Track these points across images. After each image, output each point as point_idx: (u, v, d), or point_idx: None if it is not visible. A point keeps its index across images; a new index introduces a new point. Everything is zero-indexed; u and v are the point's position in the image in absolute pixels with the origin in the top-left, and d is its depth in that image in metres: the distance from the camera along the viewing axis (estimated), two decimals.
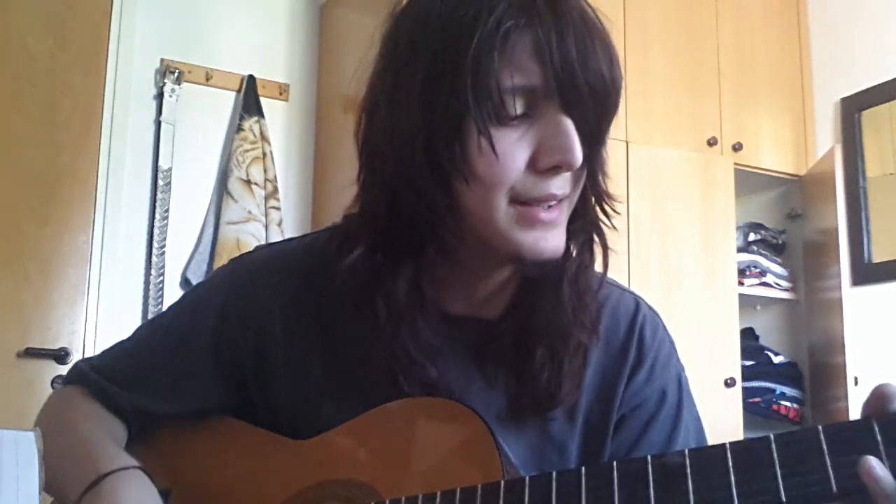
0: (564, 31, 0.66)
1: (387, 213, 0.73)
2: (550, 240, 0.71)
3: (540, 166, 0.68)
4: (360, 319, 0.75)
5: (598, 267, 0.79)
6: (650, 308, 0.88)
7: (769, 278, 2.85)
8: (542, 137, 0.68)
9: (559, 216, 0.71)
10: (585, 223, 0.76)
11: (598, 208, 0.77)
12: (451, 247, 0.74)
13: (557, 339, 0.76)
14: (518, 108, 0.68)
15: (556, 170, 0.69)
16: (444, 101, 0.67)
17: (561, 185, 0.70)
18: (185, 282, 2.63)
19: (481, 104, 0.66)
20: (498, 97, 0.66)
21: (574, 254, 0.76)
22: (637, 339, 0.84)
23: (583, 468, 0.62)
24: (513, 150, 0.68)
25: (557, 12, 0.67)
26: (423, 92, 0.68)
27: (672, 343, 0.88)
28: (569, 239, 0.74)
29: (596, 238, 0.78)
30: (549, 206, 0.70)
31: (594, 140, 0.71)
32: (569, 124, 0.68)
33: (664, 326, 0.88)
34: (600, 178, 0.76)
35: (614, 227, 0.78)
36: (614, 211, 0.78)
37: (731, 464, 0.57)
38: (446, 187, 0.69)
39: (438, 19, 0.69)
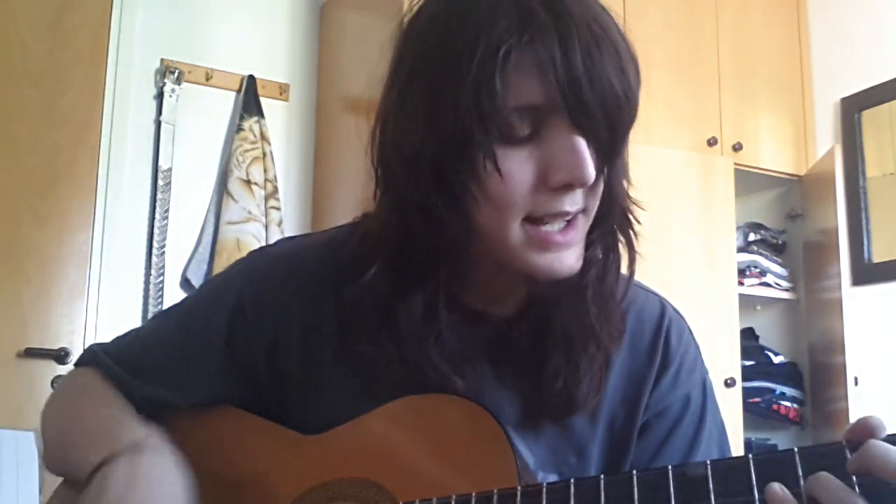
0: (569, 46, 0.63)
1: (400, 233, 0.72)
2: (565, 259, 0.69)
3: (551, 184, 0.66)
4: (383, 334, 0.74)
5: (623, 270, 0.78)
6: (676, 311, 0.86)
7: (769, 278, 2.85)
8: (551, 155, 0.66)
9: (575, 235, 0.69)
10: (605, 232, 0.74)
11: (619, 214, 0.75)
12: (464, 266, 0.73)
13: (574, 344, 0.75)
14: (525, 127, 0.66)
15: (568, 187, 0.67)
16: (447, 123, 0.65)
17: (574, 201, 0.68)
18: (185, 282, 2.63)
19: (485, 126, 0.64)
20: (503, 118, 0.64)
21: (595, 263, 0.74)
22: (663, 343, 0.82)
23: (602, 476, 0.62)
24: (520, 169, 0.66)
25: (561, 25, 0.64)
26: (426, 113, 0.67)
27: (697, 347, 0.86)
28: (589, 247, 0.73)
29: (622, 240, 0.76)
30: (565, 225, 0.68)
31: (609, 153, 0.68)
32: (578, 142, 0.65)
33: (690, 330, 0.86)
34: (619, 187, 0.74)
35: (635, 235, 0.76)
36: (636, 219, 0.76)
37: (753, 476, 0.56)
38: (456, 208, 0.68)
39: (440, 36, 0.67)
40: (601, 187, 0.71)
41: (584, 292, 0.74)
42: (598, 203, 0.71)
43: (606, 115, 0.65)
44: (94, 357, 0.88)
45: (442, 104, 0.65)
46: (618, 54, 0.66)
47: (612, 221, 0.75)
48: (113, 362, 0.87)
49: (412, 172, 0.69)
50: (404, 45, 0.72)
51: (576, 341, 0.75)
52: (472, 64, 0.63)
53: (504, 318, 0.78)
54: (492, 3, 0.65)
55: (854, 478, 0.53)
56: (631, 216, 0.76)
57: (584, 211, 0.70)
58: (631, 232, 0.76)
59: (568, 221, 0.69)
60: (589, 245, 0.73)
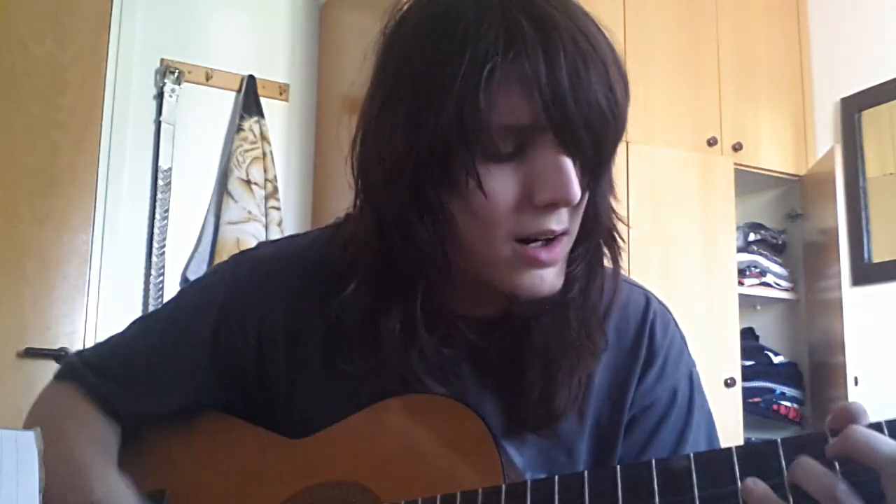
0: (554, 62, 0.61)
1: (378, 249, 0.71)
2: (547, 278, 0.68)
3: (536, 202, 0.65)
4: (366, 345, 0.74)
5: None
6: (660, 303, 0.86)
7: (769, 278, 2.84)
8: (536, 173, 0.65)
9: (558, 253, 0.68)
10: (590, 249, 0.74)
11: (604, 232, 0.74)
12: (441, 284, 0.72)
13: (553, 358, 0.74)
14: (509, 145, 0.64)
15: (553, 206, 0.65)
16: (429, 137, 0.63)
17: (560, 220, 0.67)
18: (185, 282, 2.63)
19: (468, 144, 0.63)
20: (486, 136, 0.63)
21: (578, 280, 0.74)
22: (648, 336, 0.82)
23: (586, 472, 0.61)
24: (504, 187, 0.65)
25: (547, 40, 0.62)
26: (407, 126, 0.65)
27: (683, 338, 0.86)
28: (571, 265, 0.72)
29: (607, 255, 0.75)
30: (549, 243, 0.68)
31: (595, 171, 0.67)
32: (564, 161, 0.64)
33: (675, 322, 0.86)
34: (605, 205, 0.73)
35: (620, 252, 0.76)
36: (619, 237, 0.75)
37: (737, 468, 0.56)
38: (434, 226, 0.67)
39: (425, 47, 0.65)
40: (583, 208, 0.70)
41: (566, 309, 0.73)
42: (579, 223, 0.70)
43: (592, 134, 0.64)
44: (75, 371, 0.87)
45: (424, 118, 0.64)
46: (605, 70, 0.64)
47: (597, 239, 0.74)
48: (95, 376, 0.85)
49: (391, 185, 0.67)
50: (387, 53, 0.70)
51: (554, 355, 0.74)
52: (456, 79, 0.62)
53: (484, 322, 0.77)
54: (478, 14, 0.63)
55: (836, 465, 0.53)
56: (616, 234, 0.75)
57: (566, 232, 0.69)
58: (616, 249, 0.76)
59: (551, 239, 0.68)
60: (572, 261, 0.72)
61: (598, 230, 0.73)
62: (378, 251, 0.71)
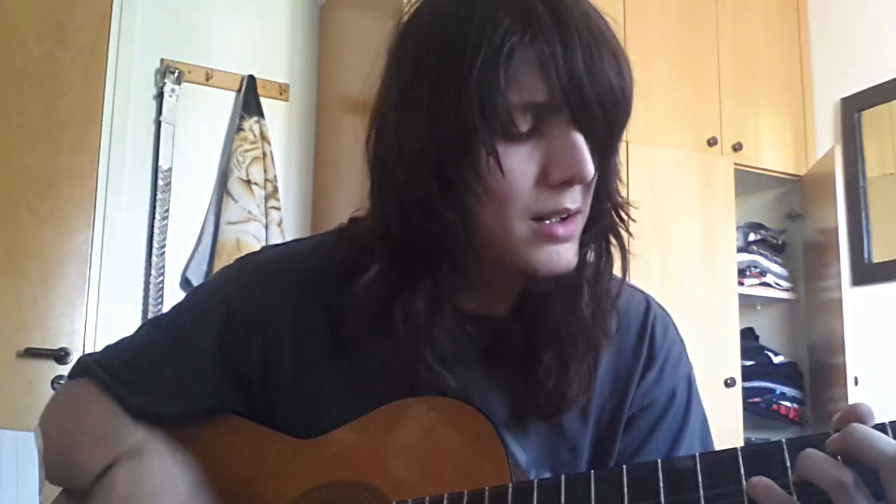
0: (570, 45, 0.65)
1: (400, 232, 0.72)
2: (563, 254, 0.70)
3: (551, 180, 0.68)
4: (378, 333, 0.74)
5: (616, 270, 0.79)
6: (661, 307, 0.88)
7: (769, 278, 2.85)
8: (551, 152, 0.68)
9: (574, 229, 0.71)
10: (600, 230, 0.76)
11: (612, 214, 0.76)
12: (464, 263, 0.73)
13: (567, 343, 0.76)
14: (526, 123, 0.67)
15: (568, 183, 0.68)
16: (450, 120, 0.66)
17: (574, 198, 0.69)
18: (185, 282, 2.63)
19: (488, 123, 0.66)
20: (505, 115, 0.66)
21: (589, 261, 0.76)
22: (648, 338, 0.84)
23: (592, 472, 0.62)
24: (522, 166, 0.68)
25: (562, 24, 0.66)
26: (429, 111, 0.68)
27: (682, 342, 0.88)
28: (583, 246, 0.74)
29: (614, 241, 0.77)
30: (564, 219, 0.70)
31: (605, 151, 0.71)
32: (578, 138, 0.67)
33: (674, 325, 0.88)
34: (612, 186, 0.75)
35: (629, 233, 0.78)
36: (629, 217, 0.77)
37: (742, 469, 0.57)
38: (458, 205, 0.69)
39: (442, 35, 0.68)
40: (594, 187, 0.72)
41: (579, 291, 0.75)
42: (590, 202, 0.72)
43: (605, 112, 0.67)
44: (87, 369, 0.88)
45: (445, 101, 0.67)
46: (614, 54, 0.68)
47: (606, 221, 0.76)
48: (107, 375, 0.86)
49: (413, 171, 0.69)
50: (403, 45, 0.73)
51: (567, 341, 0.76)
52: (477, 61, 0.65)
53: (497, 320, 0.79)
54: (494, 3, 0.67)
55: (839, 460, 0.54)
56: (624, 213, 0.77)
57: (580, 211, 0.71)
58: (623, 231, 0.77)
59: (565, 219, 0.70)
60: (584, 243, 0.74)
61: (606, 212, 0.76)
62: (399, 237, 0.72)
